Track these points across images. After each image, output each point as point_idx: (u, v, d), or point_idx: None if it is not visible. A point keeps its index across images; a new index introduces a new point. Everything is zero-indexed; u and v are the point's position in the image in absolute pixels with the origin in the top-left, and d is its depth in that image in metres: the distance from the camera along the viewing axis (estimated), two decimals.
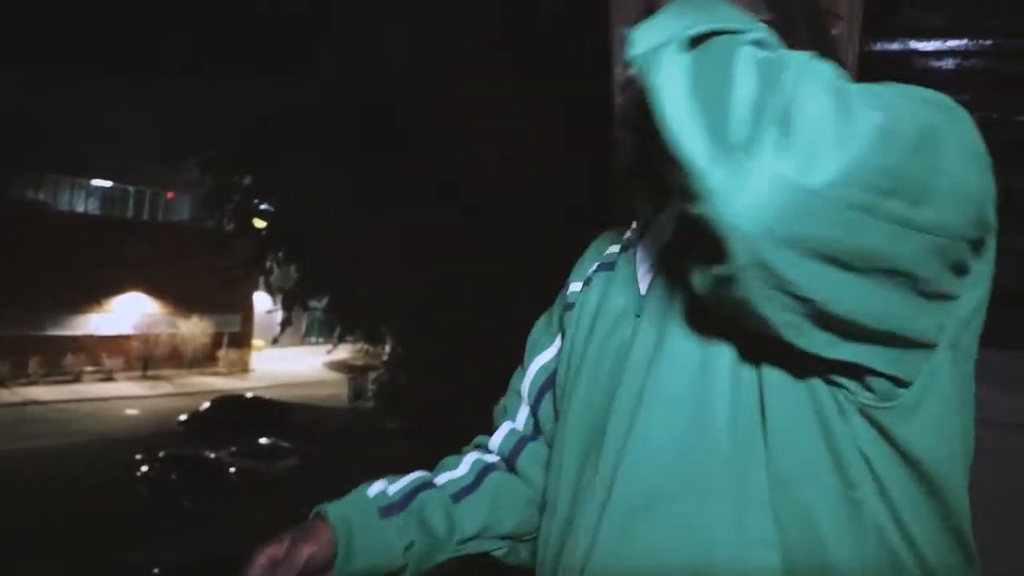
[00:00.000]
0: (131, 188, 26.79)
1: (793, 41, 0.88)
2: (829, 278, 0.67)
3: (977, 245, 0.76)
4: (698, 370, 0.86)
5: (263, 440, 16.79)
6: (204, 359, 27.75)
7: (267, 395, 22.34)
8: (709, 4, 0.77)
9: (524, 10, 5.47)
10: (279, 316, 9.18)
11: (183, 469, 14.57)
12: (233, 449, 15.95)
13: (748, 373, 0.83)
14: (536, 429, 1.19)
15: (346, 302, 8.31)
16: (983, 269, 0.79)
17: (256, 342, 30.06)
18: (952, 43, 2.80)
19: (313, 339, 32.32)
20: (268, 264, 8.70)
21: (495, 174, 5.87)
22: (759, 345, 0.80)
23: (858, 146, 0.63)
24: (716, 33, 0.72)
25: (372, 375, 11.25)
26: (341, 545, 1.03)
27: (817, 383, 0.80)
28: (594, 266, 1.12)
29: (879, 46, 2.79)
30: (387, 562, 1.06)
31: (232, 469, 15.01)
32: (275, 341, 14.01)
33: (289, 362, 29.86)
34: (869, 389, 0.78)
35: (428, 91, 5.95)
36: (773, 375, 0.82)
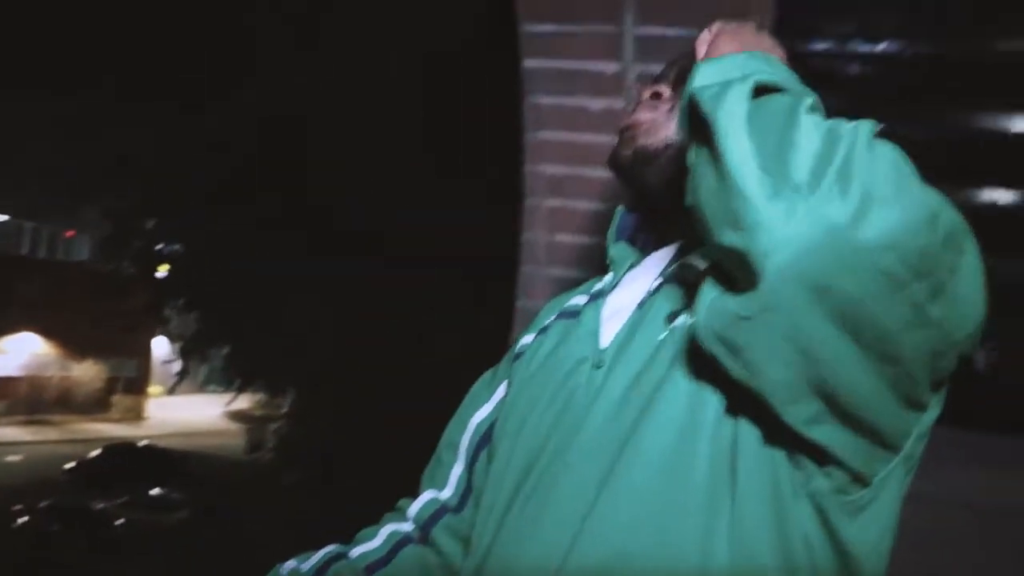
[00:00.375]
0: (27, 224, 25.83)
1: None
2: (838, 341, 0.71)
3: (959, 362, 0.79)
4: (679, 431, 0.85)
5: (155, 491, 16.15)
6: (96, 404, 26.62)
7: (162, 444, 21.52)
8: (772, 60, 0.85)
9: (437, 63, 5.58)
10: (177, 364, 8.96)
11: (67, 521, 13.83)
12: (123, 500, 15.28)
13: (726, 439, 0.84)
14: (465, 494, 1.16)
15: (247, 352, 8.18)
16: (944, 391, 0.84)
17: (153, 388, 29.04)
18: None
19: (212, 388, 31.40)
20: (167, 312, 8.50)
21: (404, 227, 5.94)
22: (740, 412, 0.83)
23: (912, 216, 0.68)
24: (779, 88, 0.79)
25: (271, 426, 11.02)
26: None
27: (781, 460, 0.82)
28: (553, 316, 1.13)
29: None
30: None
31: (120, 521, 14.37)
32: (171, 391, 13.60)
33: (186, 410, 28.88)
34: (827, 477, 0.80)
35: (337, 142, 6.00)
36: (748, 445, 0.83)
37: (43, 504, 14.18)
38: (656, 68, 1.79)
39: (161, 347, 27.81)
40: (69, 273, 24.63)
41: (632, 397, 0.89)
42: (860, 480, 0.81)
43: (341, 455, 6.74)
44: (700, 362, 0.84)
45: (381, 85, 5.83)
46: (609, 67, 1.81)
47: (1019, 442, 1.77)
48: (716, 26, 0.97)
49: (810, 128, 0.73)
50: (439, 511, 1.16)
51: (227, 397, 12.72)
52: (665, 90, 1.07)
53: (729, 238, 0.73)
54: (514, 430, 1.01)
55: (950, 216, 0.72)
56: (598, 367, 0.95)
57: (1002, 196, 3.19)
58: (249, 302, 7.02)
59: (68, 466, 18.57)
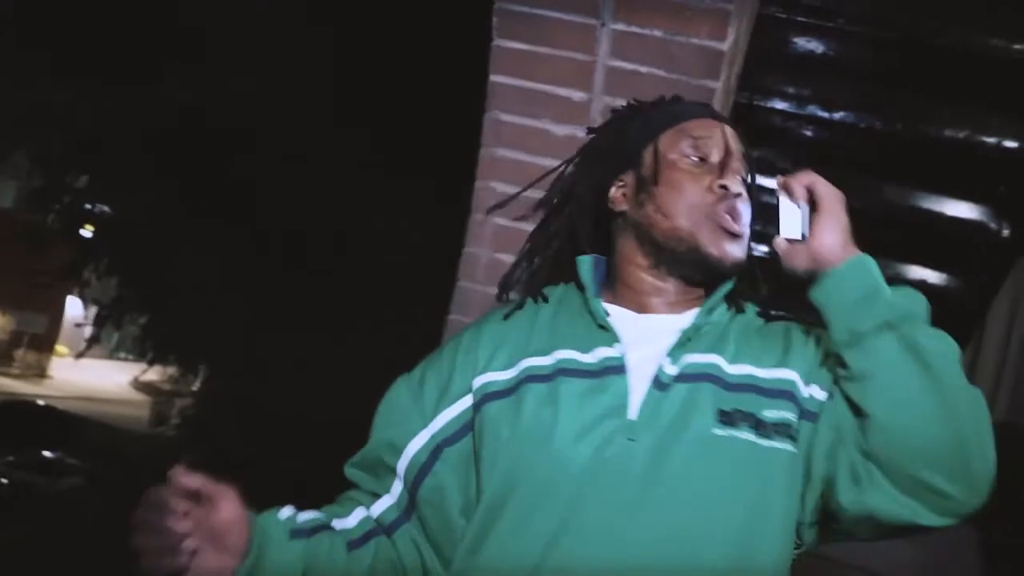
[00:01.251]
0: None
1: None
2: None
3: None
4: (748, 511, 1.06)
5: (47, 453, 15.56)
6: None
7: (61, 406, 20.77)
8: (917, 308, 1.08)
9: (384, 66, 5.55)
10: (89, 327, 8.67)
11: None
12: (11, 459, 14.67)
13: (788, 548, 1.11)
14: (409, 509, 1.20)
15: (165, 325, 7.96)
16: None
17: (60, 348, 28.06)
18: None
19: (121, 355, 30.46)
20: (87, 275, 8.20)
21: (332, 223, 5.89)
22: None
23: (985, 487, 1.01)
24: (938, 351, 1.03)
25: (178, 403, 10.75)
26: (255, 541, 1.06)
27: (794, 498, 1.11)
28: (547, 361, 1.17)
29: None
30: None
31: (4, 480, 13.79)
32: (80, 356, 13.10)
33: (92, 375, 27.96)
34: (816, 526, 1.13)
35: (272, 126, 5.93)
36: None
37: None
38: (621, 101, 1.81)
39: (74, 307, 26.92)
40: None
41: (701, 486, 1.06)
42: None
43: (243, 441, 6.60)
44: (769, 477, 1.08)
45: (318, 80, 5.79)
46: (577, 94, 1.81)
47: None
48: (813, 179, 1.11)
49: (959, 384, 1.02)
50: (398, 518, 1.20)
51: (136, 367, 12.35)
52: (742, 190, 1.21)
53: (925, 474, 1.00)
54: (542, 474, 1.09)
55: (992, 467, 1.03)
56: (631, 439, 1.08)
57: (930, 276, 3.31)
58: (172, 276, 6.85)
59: None
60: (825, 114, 2.83)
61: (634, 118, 1.32)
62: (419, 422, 1.21)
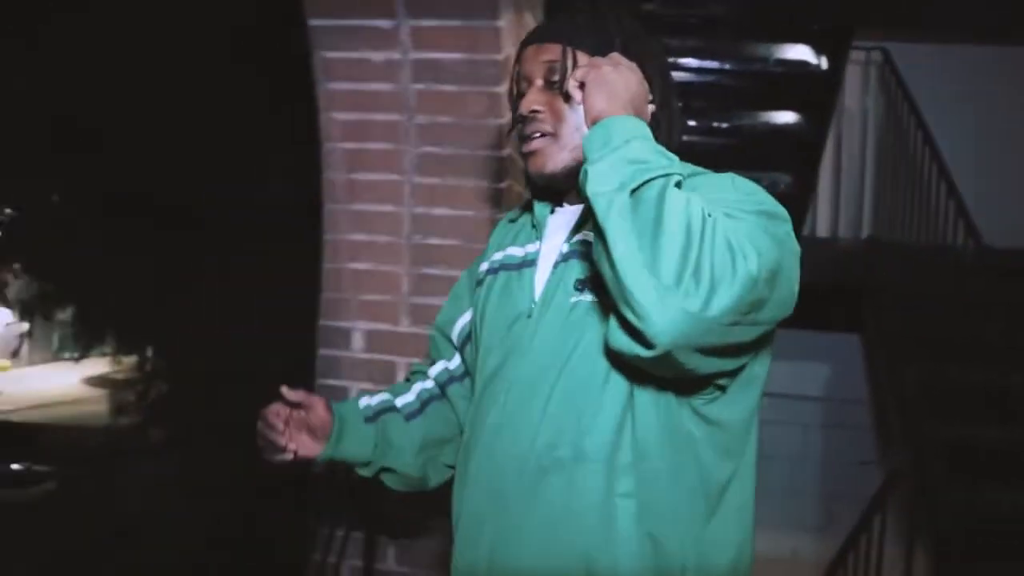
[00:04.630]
0: None
1: (668, 119, 1.33)
2: (707, 361, 1.08)
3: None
4: (594, 369, 1.20)
5: (15, 466, 15.53)
6: None
7: (16, 418, 20.54)
8: (639, 145, 1.09)
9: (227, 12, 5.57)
10: (18, 330, 8.64)
11: None
12: None
13: (627, 376, 1.18)
14: (465, 371, 1.53)
15: (92, 312, 8.01)
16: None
17: (2, 363, 27.54)
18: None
19: (67, 355, 30.00)
20: (3, 276, 8.16)
21: (208, 184, 6.01)
22: (635, 368, 1.15)
23: (736, 292, 1.00)
24: (650, 180, 1.04)
25: (133, 387, 10.81)
26: (335, 429, 1.43)
27: (668, 386, 1.17)
28: (499, 256, 1.42)
29: None
30: (361, 454, 1.46)
31: None
32: (14, 355, 12.98)
33: (39, 381, 27.56)
34: (701, 391, 1.19)
35: (131, 96, 5.95)
36: (643, 378, 1.17)
37: None
38: (425, 24, 2.03)
39: (5, 318, 26.33)
40: None
41: (559, 344, 1.23)
42: (720, 388, 1.20)
43: (205, 409, 6.80)
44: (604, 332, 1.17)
45: (182, 57, 5.80)
46: (385, 23, 2.03)
47: None
48: (581, 72, 1.18)
49: (672, 227, 1.02)
50: (451, 378, 1.55)
51: (82, 364, 12.31)
52: (542, 106, 1.29)
53: (626, 313, 1.04)
54: (485, 354, 1.36)
55: (767, 265, 1.04)
56: (530, 316, 1.29)
57: (773, 116, 3.61)
58: (82, 262, 6.90)
59: None
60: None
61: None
62: (467, 305, 1.52)
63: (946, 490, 3.34)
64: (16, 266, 8.11)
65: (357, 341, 2.21)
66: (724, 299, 1.00)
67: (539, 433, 1.21)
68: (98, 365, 14.18)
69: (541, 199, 1.40)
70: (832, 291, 4.37)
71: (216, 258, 6.18)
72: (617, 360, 1.17)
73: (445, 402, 1.56)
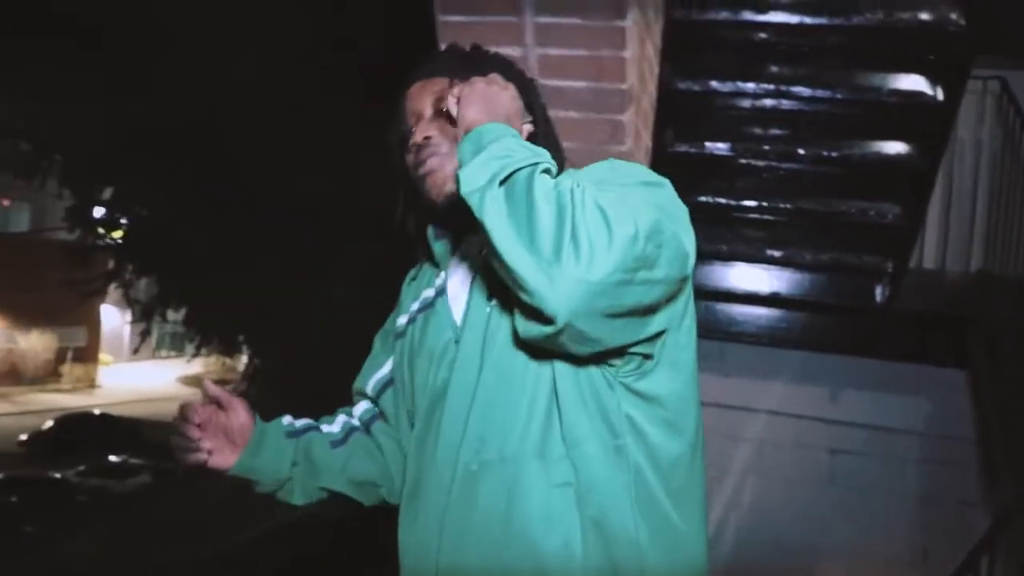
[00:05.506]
0: None
1: (546, 138, 1.37)
2: (613, 326, 1.09)
3: (682, 281, 1.19)
4: (513, 365, 1.23)
5: (113, 458, 16.20)
6: (47, 375, 26.38)
7: (116, 412, 21.45)
8: (507, 141, 1.14)
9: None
10: (128, 329, 9.06)
11: (25, 492, 13.85)
12: (81, 468, 15.30)
13: (547, 369, 1.21)
14: (375, 415, 1.57)
15: (203, 312, 8.36)
16: (685, 288, 1.23)
17: (104, 357, 28.80)
18: (744, 85, 3.36)
19: (164, 353, 31.21)
20: (127, 276, 8.58)
21: (346, 194, 6.15)
22: (552, 354, 1.20)
23: (618, 250, 1.02)
24: (518, 170, 1.09)
25: (228, 388, 11.19)
26: (255, 438, 1.41)
27: (593, 369, 1.20)
28: (416, 305, 1.47)
29: (684, 85, 3.32)
30: (277, 470, 1.44)
31: (79, 489, 14.43)
32: (136, 352, 13.62)
33: (140, 377, 28.72)
34: (628, 363, 1.20)
35: (264, 109, 6.16)
36: (563, 368, 1.21)
37: (0, 476, 14.15)
38: (554, 52, 2.09)
39: (110, 315, 27.53)
40: (10, 244, 24.20)
41: (482, 349, 1.26)
42: (647, 357, 1.22)
43: (293, 411, 7.01)
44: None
45: (299, 70, 6.01)
46: (515, 51, 2.09)
47: None
48: (458, 89, 1.25)
49: (543, 206, 1.05)
50: (373, 416, 1.58)
51: (180, 362, 12.81)
52: (434, 132, 1.36)
53: (521, 296, 1.07)
54: (419, 393, 1.39)
55: (647, 221, 1.06)
56: (457, 341, 1.32)
57: (884, 147, 3.56)
58: (201, 265, 7.20)
59: (22, 437, 18.48)
60: (758, 17, 3.08)
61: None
62: (383, 360, 1.57)
63: None
64: (135, 269, 8.54)
65: None
66: (607, 261, 1.02)
67: (464, 440, 1.23)
68: (194, 365, 14.66)
69: (441, 230, 1.44)
70: (937, 324, 4.27)
71: (329, 271, 6.38)
72: (534, 351, 1.20)
73: (369, 438, 1.56)
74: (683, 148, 3.49)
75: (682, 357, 1.26)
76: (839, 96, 3.30)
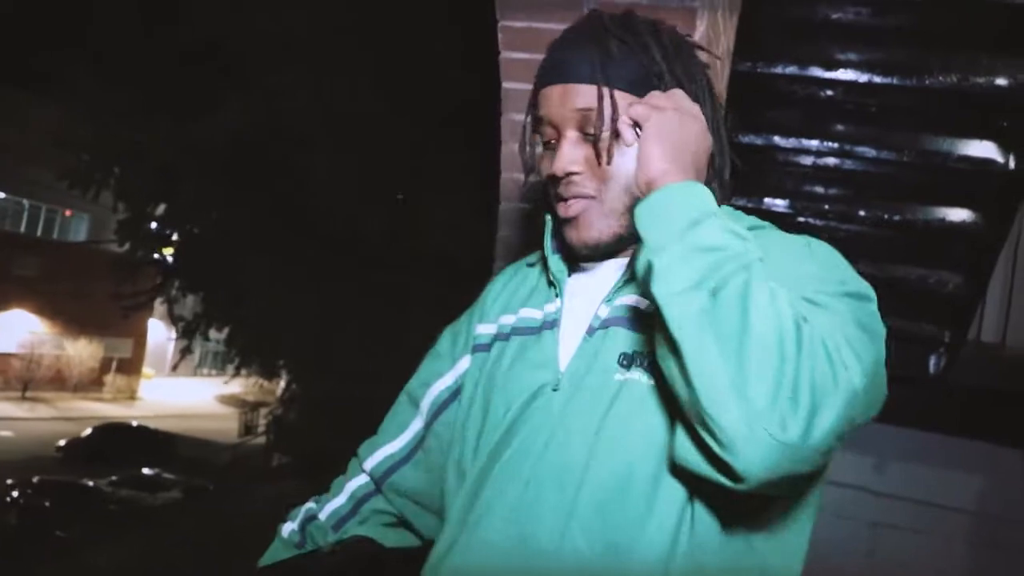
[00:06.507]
0: (25, 202, 25.95)
1: (723, 162, 1.14)
2: (796, 483, 0.90)
3: None
4: (652, 472, 1.00)
5: (146, 471, 16.38)
6: (90, 384, 26.83)
7: (154, 425, 21.74)
8: (712, 225, 0.89)
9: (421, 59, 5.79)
10: (172, 345, 9.20)
11: (58, 496, 14.05)
12: (114, 478, 15.50)
13: (680, 493, 1.00)
14: (415, 448, 1.33)
15: (246, 335, 8.42)
16: None
17: (146, 370, 29.23)
18: (807, 142, 3.30)
19: (205, 371, 31.59)
20: (173, 293, 8.72)
21: (391, 223, 6.20)
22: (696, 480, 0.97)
23: (840, 411, 0.83)
24: (731, 276, 0.86)
25: (264, 411, 11.22)
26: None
27: (735, 510, 1.00)
28: (511, 321, 1.23)
29: (746, 138, 3.26)
30: None
31: (110, 499, 14.58)
32: (175, 368, 13.85)
33: (179, 393, 29.08)
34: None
35: (326, 139, 6.25)
36: (704, 503, 1.00)
37: (36, 480, 14.38)
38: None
39: (156, 330, 27.97)
40: (67, 252, 24.82)
41: (598, 429, 1.03)
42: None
43: (330, 440, 7.00)
44: (660, 422, 1.01)
45: (363, 98, 6.09)
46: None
47: None
48: (640, 110, 1.00)
49: (763, 339, 0.83)
50: (392, 467, 1.35)
51: (219, 381, 12.95)
52: (578, 167, 1.10)
53: (707, 439, 0.86)
54: (476, 429, 1.17)
55: (868, 370, 0.89)
56: (555, 389, 1.10)
57: (949, 213, 3.46)
58: (247, 288, 7.28)
59: (61, 443, 18.79)
60: (827, 74, 3.03)
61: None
62: (448, 367, 1.33)
63: None
64: (182, 286, 8.68)
65: None
66: (826, 423, 0.82)
67: (568, 530, 1.01)
68: (233, 385, 14.76)
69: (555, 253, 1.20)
70: (993, 399, 4.11)
71: (377, 307, 6.40)
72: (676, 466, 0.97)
73: (382, 499, 1.37)
74: (742, 203, 3.43)
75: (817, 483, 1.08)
76: (905, 159, 3.22)
